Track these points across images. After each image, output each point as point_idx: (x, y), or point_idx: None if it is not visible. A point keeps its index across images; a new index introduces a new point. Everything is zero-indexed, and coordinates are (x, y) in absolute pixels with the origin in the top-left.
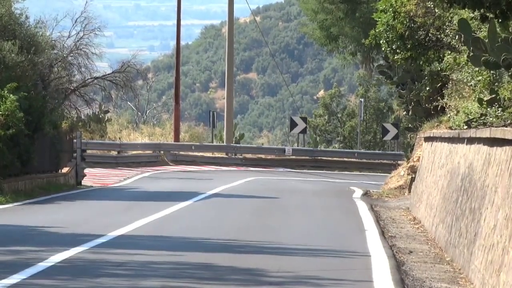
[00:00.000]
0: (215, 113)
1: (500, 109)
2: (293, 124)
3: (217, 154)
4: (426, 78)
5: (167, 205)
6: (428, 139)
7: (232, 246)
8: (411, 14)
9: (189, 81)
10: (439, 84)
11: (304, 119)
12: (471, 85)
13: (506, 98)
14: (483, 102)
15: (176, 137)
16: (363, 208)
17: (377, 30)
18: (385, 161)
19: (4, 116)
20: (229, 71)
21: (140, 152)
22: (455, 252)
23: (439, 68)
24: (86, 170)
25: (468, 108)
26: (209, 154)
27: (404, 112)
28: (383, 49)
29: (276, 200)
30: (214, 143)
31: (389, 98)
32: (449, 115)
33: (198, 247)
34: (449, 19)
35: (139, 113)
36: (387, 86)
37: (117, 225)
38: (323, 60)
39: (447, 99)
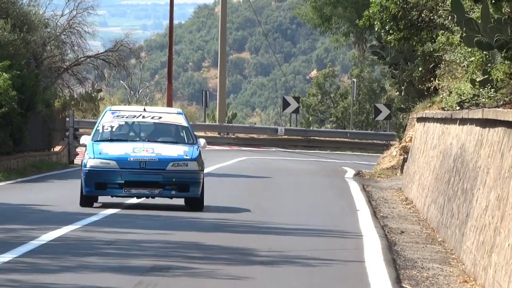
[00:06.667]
0: (207, 92)
1: (492, 90)
2: (285, 104)
3: (209, 134)
4: (419, 58)
5: None
6: (420, 119)
7: (223, 225)
8: None
9: (182, 60)
10: (432, 65)
11: (297, 99)
12: (464, 65)
13: (498, 79)
14: (476, 83)
15: None
16: (355, 188)
17: (370, 11)
18: (377, 142)
19: None
20: (222, 51)
21: None
22: (447, 233)
23: (432, 49)
24: (79, 149)
25: (460, 89)
26: (201, 134)
27: (397, 93)
28: (376, 29)
29: (268, 180)
30: (207, 123)
31: (383, 78)
32: (441, 96)
33: (189, 226)
34: None
35: (132, 92)
36: (380, 67)
37: (109, 203)
38: (316, 40)
39: (439, 80)
